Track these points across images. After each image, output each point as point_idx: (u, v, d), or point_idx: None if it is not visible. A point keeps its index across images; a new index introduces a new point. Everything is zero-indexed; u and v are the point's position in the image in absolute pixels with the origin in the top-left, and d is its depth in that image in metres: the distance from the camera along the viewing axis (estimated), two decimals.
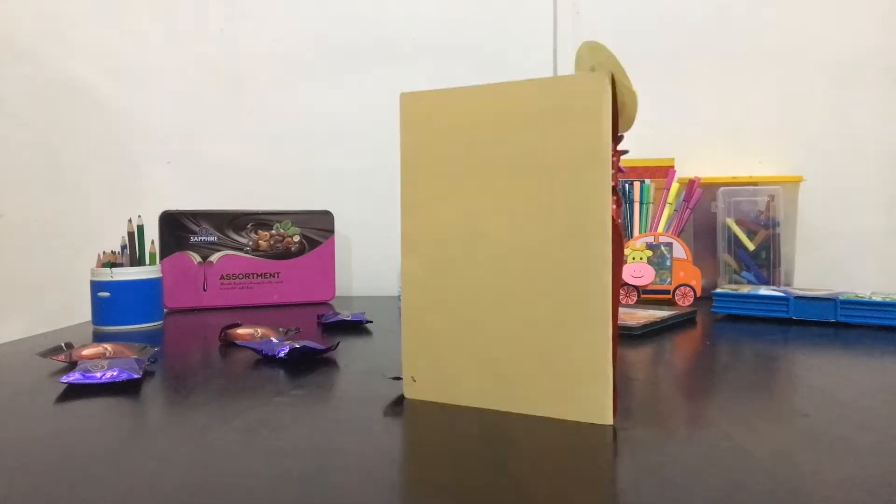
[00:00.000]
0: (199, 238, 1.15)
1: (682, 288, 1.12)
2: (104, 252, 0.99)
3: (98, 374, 0.61)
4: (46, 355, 0.69)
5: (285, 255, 1.21)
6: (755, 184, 1.20)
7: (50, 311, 1.39)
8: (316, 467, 0.41)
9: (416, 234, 0.54)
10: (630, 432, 0.46)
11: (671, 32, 1.34)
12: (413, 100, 0.54)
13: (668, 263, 1.14)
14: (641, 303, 1.13)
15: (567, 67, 1.36)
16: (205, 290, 1.15)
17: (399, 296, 1.10)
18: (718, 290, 0.99)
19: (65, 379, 0.60)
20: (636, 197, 1.21)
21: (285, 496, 0.36)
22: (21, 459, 0.42)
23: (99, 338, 0.89)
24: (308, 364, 0.70)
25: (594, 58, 0.50)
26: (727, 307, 0.97)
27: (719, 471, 0.39)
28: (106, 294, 0.94)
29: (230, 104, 1.40)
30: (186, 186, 1.39)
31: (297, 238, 1.21)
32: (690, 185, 1.20)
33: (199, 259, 1.15)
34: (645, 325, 0.85)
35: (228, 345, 0.81)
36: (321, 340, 0.83)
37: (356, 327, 0.94)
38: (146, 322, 0.96)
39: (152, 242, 1.03)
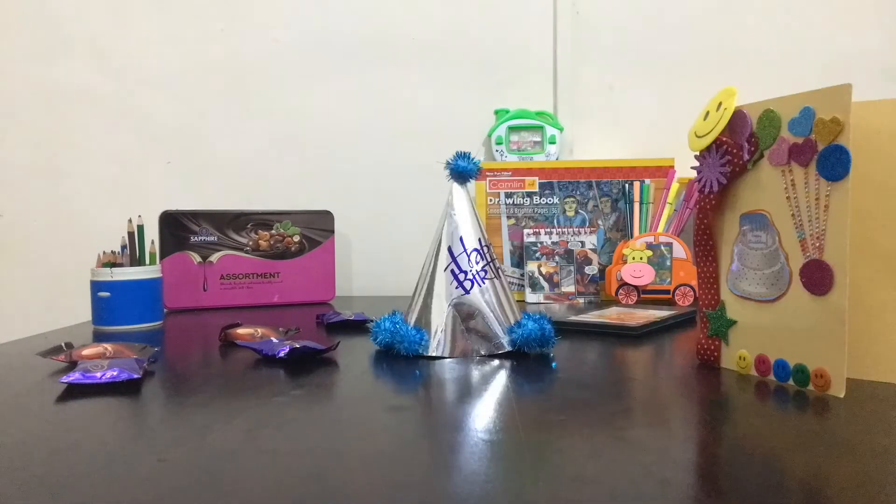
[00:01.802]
0: (199, 238, 1.15)
1: (682, 288, 1.12)
2: (104, 252, 0.99)
3: (98, 374, 0.61)
4: (46, 355, 0.69)
5: (285, 255, 1.21)
6: None
7: (50, 311, 1.39)
8: (316, 467, 0.41)
9: None
10: (629, 431, 0.46)
11: (671, 32, 1.34)
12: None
13: (668, 263, 1.14)
14: (641, 303, 1.13)
15: (567, 67, 1.36)
16: (205, 290, 1.15)
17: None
18: None
19: (65, 379, 0.60)
20: (636, 197, 1.21)
21: (285, 496, 0.36)
22: (21, 459, 0.42)
23: (99, 338, 0.89)
24: (308, 364, 0.70)
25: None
26: None
27: (720, 470, 0.39)
28: (106, 294, 0.94)
29: (230, 104, 1.40)
30: (186, 186, 1.39)
31: (297, 238, 1.21)
32: (690, 185, 1.20)
33: (199, 259, 1.15)
34: (644, 326, 0.85)
35: (229, 345, 0.81)
36: (322, 340, 0.83)
37: (358, 327, 0.94)
38: (146, 322, 0.97)
39: (152, 242, 1.03)
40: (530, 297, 1.20)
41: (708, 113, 0.66)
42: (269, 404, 0.54)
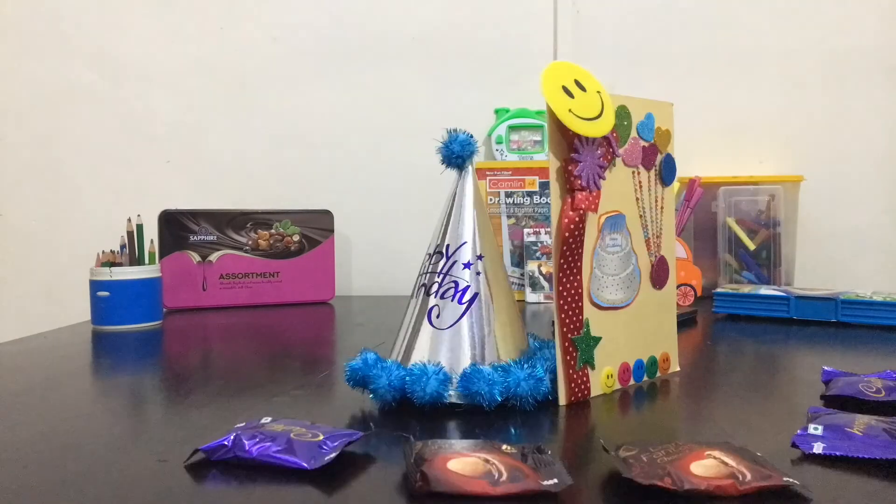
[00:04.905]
0: (199, 237, 1.15)
1: (682, 287, 1.12)
2: (103, 251, 0.98)
3: None
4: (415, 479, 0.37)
5: (285, 254, 1.20)
6: (756, 183, 1.19)
7: (50, 310, 1.38)
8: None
9: None
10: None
11: (671, 32, 1.34)
12: None
13: None
14: None
15: None
16: (204, 290, 1.15)
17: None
18: (719, 290, 0.99)
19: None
20: None
21: (285, 496, 0.36)
22: (22, 459, 0.42)
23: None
24: None
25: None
26: (728, 307, 0.97)
27: None
28: (105, 293, 0.94)
29: (230, 103, 1.39)
30: (186, 186, 1.39)
31: (296, 237, 1.21)
32: (691, 184, 1.19)
33: (198, 258, 1.15)
34: None
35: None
36: None
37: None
38: (145, 321, 0.96)
39: (151, 242, 1.03)
40: (530, 296, 1.20)
41: (566, 89, 0.53)
42: (269, 404, 0.54)
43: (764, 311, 0.94)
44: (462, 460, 0.38)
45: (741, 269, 1.18)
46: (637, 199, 0.60)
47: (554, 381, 0.54)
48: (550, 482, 0.37)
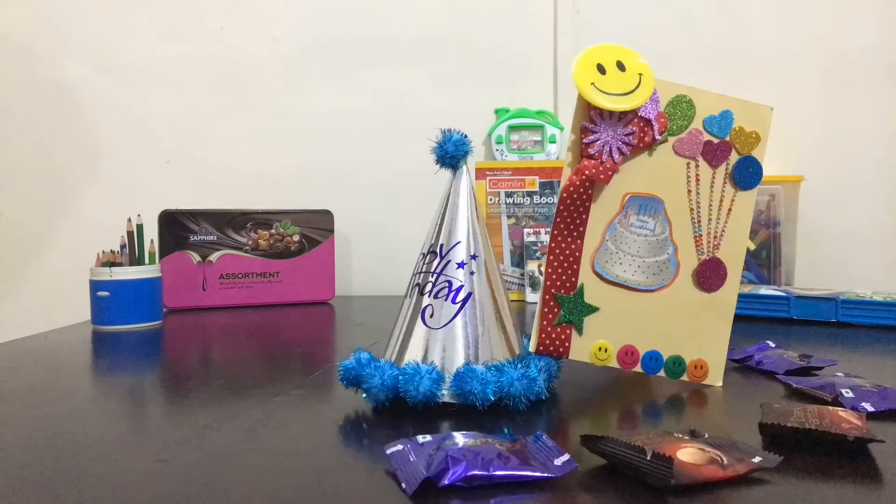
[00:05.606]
0: (199, 237, 1.15)
1: None
2: (103, 251, 0.98)
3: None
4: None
5: (285, 254, 1.20)
6: None
7: (50, 310, 1.38)
8: (316, 468, 0.40)
9: None
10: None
11: (671, 32, 1.34)
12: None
13: None
14: None
15: (568, 66, 1.36)
16: (204, 290, 1.15)
17: None
18: None
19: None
20: None
21: (285, 496, 0.36)
22: (21, 459, 0.42)
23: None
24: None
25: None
26: None
27: None
28: (105, 293, 0.94)
29: (230, 103, 1.39)
30: (186, 186, 1.39)
31: (296, 237, 1.21)
32: None
33: (198, 258, 1.15)
34: None
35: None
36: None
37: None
38: (145, 321, 0.96)
39: (151, 242, 1.03)
40: (530, 296, 1.20)
41: (601, 66, 0.55)
42: (269, 404, 0.54)
43: (764, 311, 0.94)
44: (685, 451, 0.38)
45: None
46: (689, 191, 0.58)
47: (548, 379, 0.54)
48: (758, 459, 0.38)
